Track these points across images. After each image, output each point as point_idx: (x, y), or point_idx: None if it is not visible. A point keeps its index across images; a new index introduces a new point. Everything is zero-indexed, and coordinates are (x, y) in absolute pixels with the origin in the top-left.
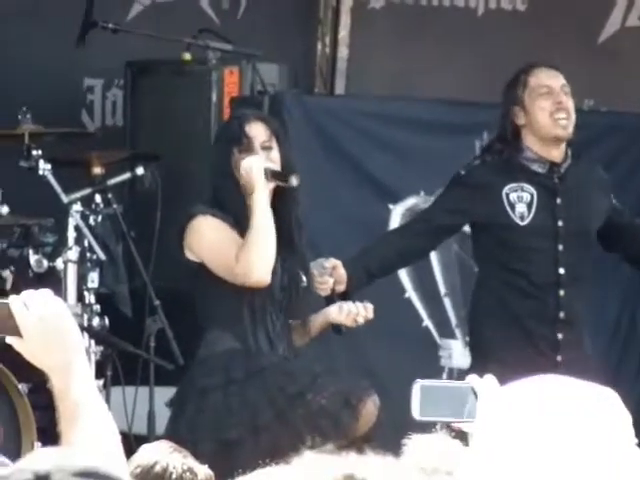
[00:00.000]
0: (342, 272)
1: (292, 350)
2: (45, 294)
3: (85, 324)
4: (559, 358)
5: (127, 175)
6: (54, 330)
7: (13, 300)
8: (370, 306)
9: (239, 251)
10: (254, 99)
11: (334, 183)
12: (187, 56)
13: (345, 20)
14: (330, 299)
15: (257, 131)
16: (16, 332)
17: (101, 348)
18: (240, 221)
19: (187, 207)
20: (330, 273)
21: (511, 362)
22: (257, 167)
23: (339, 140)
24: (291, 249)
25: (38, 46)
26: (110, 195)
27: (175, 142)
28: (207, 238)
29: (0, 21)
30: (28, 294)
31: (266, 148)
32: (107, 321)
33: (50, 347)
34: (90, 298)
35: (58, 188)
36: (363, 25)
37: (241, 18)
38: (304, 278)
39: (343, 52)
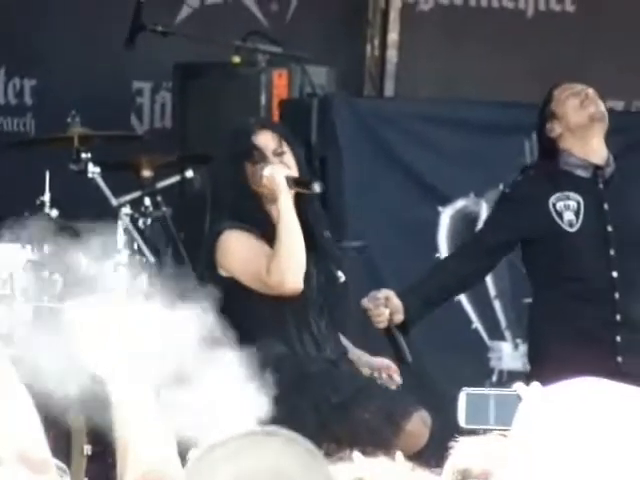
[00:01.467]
0: (396, 302)
1: (340, 350)
2: (103, 299)
3: None
4: (619, 359)
5: (176, 178)
6: (110, 336)
7: (69, 305)
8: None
9: (270, 262)
10: (303, 102)
11: (383, 185)
12: (236, 59)
13: (394, 22)
14: (388, 331)
15: (265, 140)
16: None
17: None
18: (265, 231)
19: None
20: (385, 304)
21: (570, 367)
22: (279, 176)
23: (388, 142)
24: (320, 248)
25: (87, 49)
26: (159, 198)
27: (224, 144)
28: (237, 253)
29: (49, 25)
30: (85, 299)
31: (278, 154)
32: None
33: (106, 353)
34: None
35: (107, 191)
36: (412, 27)
37: (290, 20)
38: (340, 274)
39: (392, 54)
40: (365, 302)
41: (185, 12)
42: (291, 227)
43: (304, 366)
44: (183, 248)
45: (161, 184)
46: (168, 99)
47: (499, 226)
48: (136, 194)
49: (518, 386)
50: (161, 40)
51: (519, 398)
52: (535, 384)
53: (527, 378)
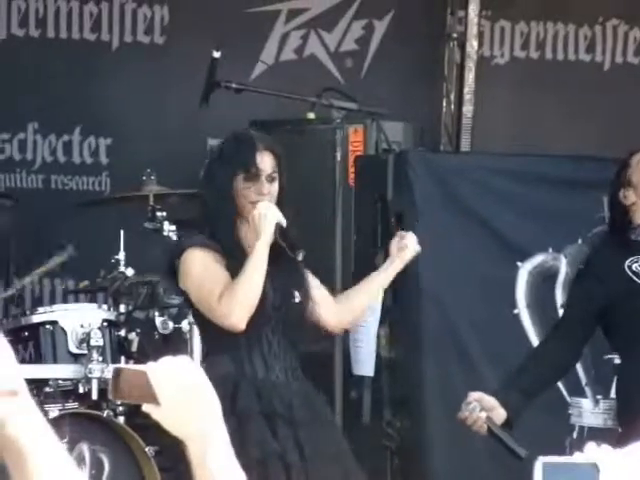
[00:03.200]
0: (489, 399)
1: (292, 370)
2: (184, 361)
3: None
4: None
5: None
6: (192, 399)
7: (151, 367)
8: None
9: (224, 292)
10: (379, 158)
11: (460, 241)
12: (311, 115)
13: (469, 76)
14: (490, 431)
15: (266, 163)
16: (153, 400)
17: None
18: (228, 251)
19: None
20: (479, 408)
21: None
22: (272, 218)
23: (465, 197)
24: (280, 266)
25: (161, 107)
26: None
27: (299, 202)
28: (194, 273)
29: (123, 84)
30: (166, 361)
31: (270, 180)
32: None
33: (188, 416)
34: None
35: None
36: (488, 81)
37: (365, 76)
38: (296, 294)
39: (468, 109)
40: (460, 415)
41: (260, 69)
42: (259, 269)
43: (242, 402)
44: None
45: None
46: None
47: (582, 302)
48: None
49: (590, 448)
50: (236, 97)
51: (596, 467)
52: (607, 448)
53: (618, 439)
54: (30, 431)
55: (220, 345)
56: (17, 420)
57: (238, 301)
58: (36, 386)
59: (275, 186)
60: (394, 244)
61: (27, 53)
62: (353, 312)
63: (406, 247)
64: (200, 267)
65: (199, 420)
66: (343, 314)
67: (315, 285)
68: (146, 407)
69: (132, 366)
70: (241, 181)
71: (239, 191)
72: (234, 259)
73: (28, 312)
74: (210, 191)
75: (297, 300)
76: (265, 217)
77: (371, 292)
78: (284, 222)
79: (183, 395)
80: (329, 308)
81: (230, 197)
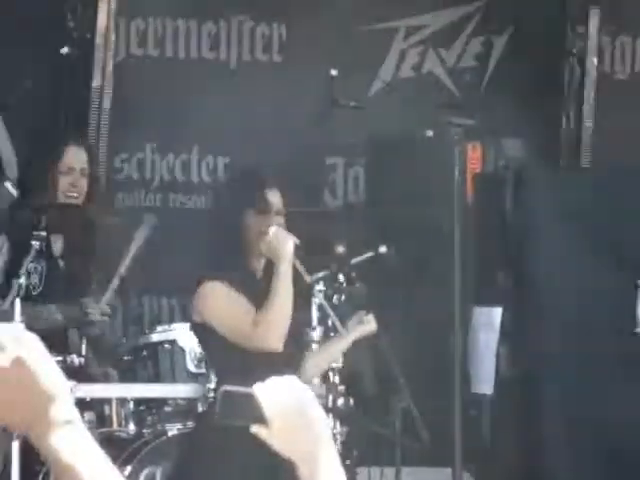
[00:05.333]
0: None
1: None
2: (291, 381)
3: (330, 404)
4: None
5: (370, 253)
6: (300, 419)
7: (258, 388)
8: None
9: (258, 317)
10: (497, 174)
11: (580, 257)
12: (429, 132)
13: (589, 92)
14: None
15: (275, 198)
16: (262, 421)
17: (346, 429)
18: (244, 281)
19: (424, 288)
20: None
21: None
22: (287, 239)
23: (585, 214)
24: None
25: (279, 125)
26: (353, 274)
27: (418, 220)
28: (219, 305)
29: (240, 102)
30: (274, 381)
31: (280, 214)
32: (352, 401)
33: (296, 437)
34: (335, 378)
35: (301, 268)
36: (608, 96)
37: (484, 92)
38: (310, 332)
39: (588, 125)
40: None
41: (377, 86)
42: (288, 291)
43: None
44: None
45: (355, 259)
46: (361, 174)
47: None
48: (330, 271)
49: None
50: (353, 114)
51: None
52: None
53: None
54: (85, 460)
55: (234, 375)
56: (73, 449)
57: (274, 323)
58: (155, 405)
59: (282, 221)
60: (355, 320)
61: (145, 72)
62: (316, 367)
63: (367, 323)
64: (224, 299)
65: (308, 440)
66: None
67: None
68: (255, 428)
69: (240, 387)
70: (253, 216)
71: (249, 225)
72: (250, 289)
73: (147, 331)
74: (225, 224)
75: (309, 337)
76: (285, 243)
77: (333, 355)
78: (297, 240)
79: (291, 415)
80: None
81: (243, 231)
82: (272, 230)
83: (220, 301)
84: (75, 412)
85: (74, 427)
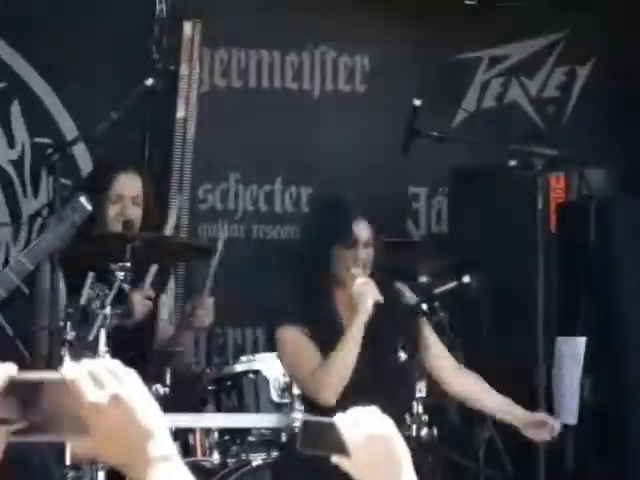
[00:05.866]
0: None
1: None
2: (373, 411)
3: (414, 434)
4: None
5: (453, 283)
6: (382, 450)
7: (340, 417)
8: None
9: (318, 367)
10: (581, 205)
11: None
12: (512, 162)
13: None
14: None
15: (362, 231)
16: (343, 451)
17: (430, 459)
18: (325, 326)
19: (509, 318)
20: None
21: None
22: (370, 294)
23: None
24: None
25: (363, 156)
26: (437, 303)
27: (501, 250)
28: (287, 352)
29: (326, 132)
30: (355, 411)
31: (367, 245)
32: (435, 431)
33: (378, 468)
34: (418, 408)
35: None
36: None
37: (567, 122)
38: (399, 355)
39: None
40: None
41: (461, 116)
42: (354, 346)
43: None
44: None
45: (438, 289)
46: (444, 204)
47: None
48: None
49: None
50: (437, 145)
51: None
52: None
53: None
54: None
55: (315, 411)
56: None
57: (332, 376)
58: (239, 435)
59: (370, 252)
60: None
61: (230, 104)
62: (471, 398)
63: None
64: (292, 345)
65: (389, 471)
66: (468, 387)
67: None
68: (336, 458)
69: (321, 417)
70: (341, 250)
71: (336, 259)
72: (331, 332)
73: (231, 362)
74: (313, 263)
75: (399, 361)
76: (367, 296)
77: (497, 413)
78: (381, 299)
79: (373, 446)
80: (451, 373)
81: (329, 276)
82: (358, 282)
83: (288, 347)
84: (173, 448)
85: (172, 463)
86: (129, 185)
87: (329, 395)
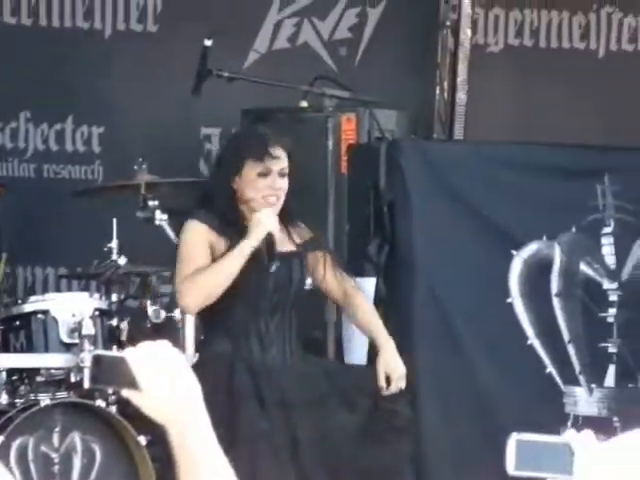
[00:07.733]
0: None
1: (290, 352)
2: (163, 345)
3: None
4: None
5: None
6: (172, 383)
7: (130, 352)
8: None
9: (191, 275)
10: (371, 146)
11: (454, 229)
12: (304, 103)
13: (463, 64)
14: None
15: (278, 155)
16: (134, 385)
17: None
18: (227, 223)
19: None
20: None
21: None
22: (267, 226)
23: (458, 186)
24: (289, 249)
25: (154, 96)
26: None
27: (291, 190)
28: (181, 245)
29: (115, 73)
30: (146, 346)
31: (283, 175)
32: None
33: (168, 401)
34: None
35: (175, 239)
36: (481, 69)
37: (358, 65)
38: (308, 280)
39: (461, 97)
40: None
41: (252, 57)
42: (230, 268)
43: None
44: None
45: None
46: None
47: None
48: None
49: (570, 434)
50: (228, 86)
51: (570, 447)
52: (588, 433)
53: None
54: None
55: (218, 325)
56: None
57: (196, 288)
58: (27, 375)
59: (285, 182)
60: None
61: (19, 42)
62: (351, 316)
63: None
64: (190, 241)
65: (179, 404)
66: (348, 306)
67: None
68: (126, 393)
69: (111, 352)
70: (254, 174)
71: (251, 182)
72: (231, 234)
73: (20, 301)
74: (218, 172)
75: (308, 287)
76: (262, 224)
77: (365, 333)
78: (277, 233)
79: (163, 379)
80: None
81: (236, 181)
82: (262, 211)
83: (185, 240)
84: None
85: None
86: None
87: (186, 305)
